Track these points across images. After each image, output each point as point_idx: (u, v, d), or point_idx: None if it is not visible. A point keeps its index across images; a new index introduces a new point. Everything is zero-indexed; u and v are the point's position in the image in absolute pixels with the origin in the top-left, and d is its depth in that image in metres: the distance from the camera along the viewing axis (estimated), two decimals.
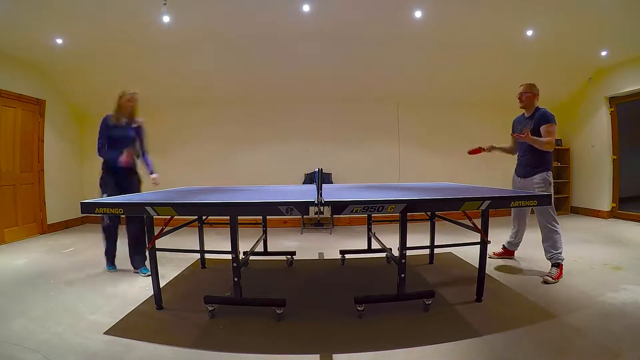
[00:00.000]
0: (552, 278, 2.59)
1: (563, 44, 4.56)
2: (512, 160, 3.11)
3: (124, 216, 3.11)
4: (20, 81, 4.45)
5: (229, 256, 2.09)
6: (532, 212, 3.16)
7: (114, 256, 3.14)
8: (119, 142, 3.02)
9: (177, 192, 2.82)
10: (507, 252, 3.29)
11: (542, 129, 2.72)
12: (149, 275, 2.76)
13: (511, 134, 3.00)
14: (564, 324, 1.95)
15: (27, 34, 3.92)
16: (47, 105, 4.88)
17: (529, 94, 2.84)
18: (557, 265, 2.69)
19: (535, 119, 2.80)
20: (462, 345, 1.76)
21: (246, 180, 4.74)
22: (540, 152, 2.74)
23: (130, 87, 3.08)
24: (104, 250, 3.10)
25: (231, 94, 5.29)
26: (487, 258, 3.15)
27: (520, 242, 3.22)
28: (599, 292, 2.37)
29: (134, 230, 3.00)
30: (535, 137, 2.69)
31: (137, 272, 3.04)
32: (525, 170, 2.87)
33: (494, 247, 3.46)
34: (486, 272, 2.32)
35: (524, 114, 2.97)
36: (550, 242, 2.74)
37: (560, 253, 2.70)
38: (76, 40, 4.18)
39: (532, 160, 2.81)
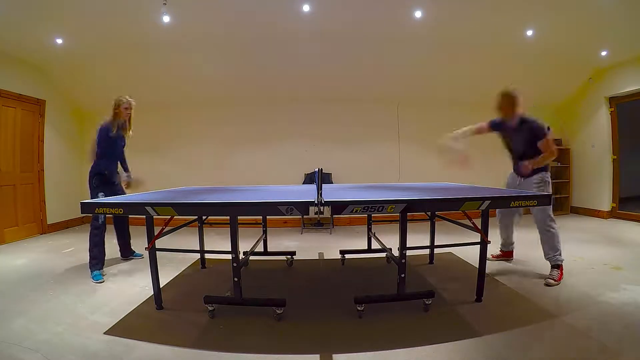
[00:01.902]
0: (554, 280, 2.56)
1: (563, 44, 4.55)
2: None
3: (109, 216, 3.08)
4: (20, 81, 4.45)
5: (229, 256, 2.09)
6: (526, 212, 3.14)
7: (104, 261, 2.98)
8: (114, 152, 3.06)
9: (177, 192, 2.82)
10: (505, 253, 3.24)
11: (541, 146, 2.62)
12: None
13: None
14: (564, 324, 1.95)
15: (27, 34, 3.92)
16: (47, 105, 4.87)
17: (510, 104, 2.72)
18: (557, 266, 2.65)
19: (524, 133, 2.68)
20: (462, 345, 1.76)
21: (246, 180, 4.74)
22: (537, 154, 2.67)
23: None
24: (93, 255, 2.87)
25: (231, 94, 5.29)
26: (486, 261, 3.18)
27: (512, 242, 3.18)
28: (599, 292, 2.37)
29: (120, 221, 3.33)
30: (538, 161, 2.62)
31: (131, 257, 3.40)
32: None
33: (492, 248, 3.45)
34: (486, 272, 2.32)
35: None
36: (549, 244, 2.69)
37: (559, 254, 2.67)
38: (76, 40, 4.18)
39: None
